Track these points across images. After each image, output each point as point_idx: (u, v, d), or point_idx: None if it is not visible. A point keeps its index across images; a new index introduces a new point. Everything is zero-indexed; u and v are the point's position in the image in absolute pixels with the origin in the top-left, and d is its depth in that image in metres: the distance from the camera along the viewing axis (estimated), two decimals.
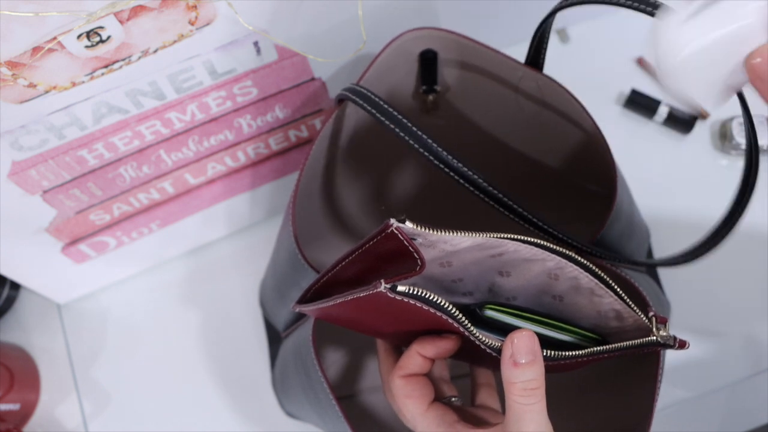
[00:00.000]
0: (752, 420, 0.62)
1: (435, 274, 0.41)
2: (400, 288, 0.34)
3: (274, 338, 0.64)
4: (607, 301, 0.39)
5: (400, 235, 0.34)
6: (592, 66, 0.72)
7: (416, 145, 0.43)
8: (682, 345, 0.38)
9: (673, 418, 0.62)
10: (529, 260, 0.39)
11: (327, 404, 0.46)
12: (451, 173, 0.43)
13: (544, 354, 0.37)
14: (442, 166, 0.43)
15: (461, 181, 0.43)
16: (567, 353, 0.37)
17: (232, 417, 0.65)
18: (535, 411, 0.36)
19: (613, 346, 0.38)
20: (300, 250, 0.46)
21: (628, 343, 0.38)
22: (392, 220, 0.34)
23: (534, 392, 0.35)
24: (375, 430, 0.60)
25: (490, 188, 0.43)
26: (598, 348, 0.38)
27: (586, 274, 0.39)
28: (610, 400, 0.50)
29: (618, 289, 0.39)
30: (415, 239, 0.35)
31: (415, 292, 0.34)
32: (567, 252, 0.39)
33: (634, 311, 0.39)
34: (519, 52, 0.49)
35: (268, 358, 0.65)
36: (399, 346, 0.44)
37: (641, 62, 0.71)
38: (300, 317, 0.54)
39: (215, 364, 0.67)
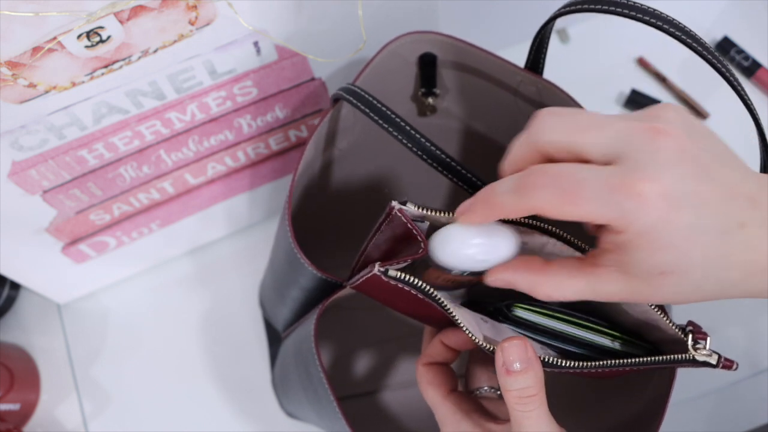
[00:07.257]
0: (752, 420, 0.62)
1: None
2: (391, 272, 0.34)
3: (274, 338, 0.64)
4: (642, 309, 0.37)
5: (403, 218, 0.34)
6: (592, 66, 0.72)
7: (411, 146, 0.42)
8: (728, 365, 0.35)
9: (672, 418, 0.62)
10: (557, 255, 0.38)
11: (326, 401, 0.46)
12: (448, 174, 0.42)
13: (566, 364, 0.36)
14: (437, 166, 0.42)
15: (457, 181, 0.42)
16: (587, 363, 0.36)
17: (232, 417, 0.65)
18: (534, 417, 0.35)
19: (640, 359, 0.36)
20: (297, 247, 0.46)
21: (657, 357, 0.36)
22: (394, 203, 0.34)
23: (531, 399, 0.35)
24: (373, 430, 0.60)
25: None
26: (623, 361, 0.36)
27: None
28: (620, 395, 0.49)
29: None
30: (422, 222, 0.35)
31: (403, 278, 0.34)
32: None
33: (670, 322, 0.36)
34: (520, 52, 0.49)
35: (268, 358, 0.65)
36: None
37: (641, 62, 0.71)
38: (300, 317, 0.54)
39: (215, 364, 0.67)
